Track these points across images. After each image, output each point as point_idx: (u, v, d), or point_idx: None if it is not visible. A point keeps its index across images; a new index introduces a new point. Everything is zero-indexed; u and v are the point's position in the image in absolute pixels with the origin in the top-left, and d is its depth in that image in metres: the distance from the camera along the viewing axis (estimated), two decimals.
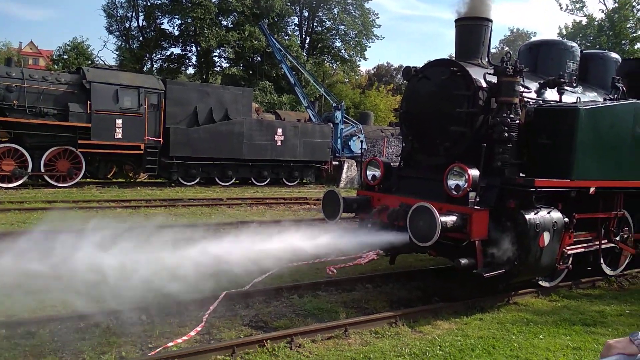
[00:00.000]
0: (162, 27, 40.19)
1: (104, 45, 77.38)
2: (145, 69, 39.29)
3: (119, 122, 18.19)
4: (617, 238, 8.01)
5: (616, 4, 41.81)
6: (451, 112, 6.94)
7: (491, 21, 7.42)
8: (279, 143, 21.78)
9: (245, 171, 21.45)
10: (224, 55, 41.36)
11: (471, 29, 7.45)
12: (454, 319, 6.25)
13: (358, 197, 7.89)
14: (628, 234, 8.20)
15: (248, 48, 38.00)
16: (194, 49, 41.21)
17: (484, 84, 6.89)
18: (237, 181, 21.70)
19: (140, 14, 39.96)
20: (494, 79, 6.84)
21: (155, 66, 41.19)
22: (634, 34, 41.71)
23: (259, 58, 41.18)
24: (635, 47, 40.87)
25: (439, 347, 5.30)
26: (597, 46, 37.21)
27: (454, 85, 6.97)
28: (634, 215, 8.29)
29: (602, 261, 8.01)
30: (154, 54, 41.29)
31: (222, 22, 39.25)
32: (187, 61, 42.99)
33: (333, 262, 8.10)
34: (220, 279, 6.27)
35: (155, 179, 20.70)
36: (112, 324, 5.50)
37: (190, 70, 44.40)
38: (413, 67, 7.68)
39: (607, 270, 8.22)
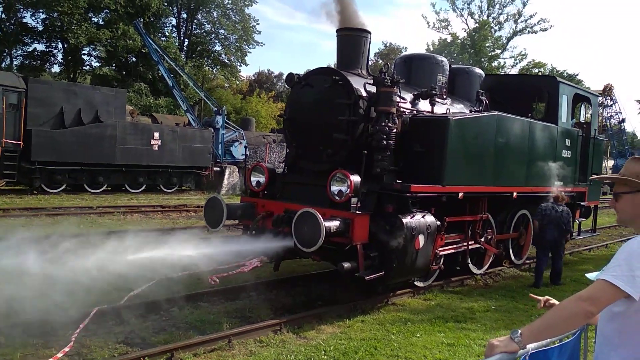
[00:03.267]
0: (24, 21, 36.74)
1: None
2: (3, 65, 35.59)
3: None
4: (482, 239, 8.68)
5: (477, 25, 45.84)
6: (333, 120, 7.08)
7: (370, 33, 7.70)
8: (155, 148, 20.79)
9: (119, 177, 20.20)
10: (95, 53, 38.79)
11: (351, 39, 7.67)
12: (337, 322, 6.34)
13: (242, 203, 7.76)
14: (491, 235, 8.93)
15: (121, 47, 35.95)
16: (60, 45, 38.12)
17: (364, 94, 7.12)
18: (109, 188, 20.38)
19: None
20: (373, 89, 7.10)
21: (15, 63, 37.48)
22: (492, 53, 45.98)
23: (133, 58, 39.16)
24: (493, 64, 45.05)
25: (323, 352, 5.34)
26: (460, 62, 40.44)
27: (336, 94, 7.12)
28: (496, 218, 9.04)
29: (469, 261, 8.63)
30: (14, 50, 37.54)
31: (93, 19, 36.80)
32: (52, 59, 39.68)
33: (215, 271, 7.87)
34: (93, 293, 5.81)
35: (15, 186, 18.76)
36: None
37: (56, 69, 41.04)
38: (296, 74, 7.73)
39: (474, 269, 8.87)
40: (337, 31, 7.67)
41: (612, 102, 40.74)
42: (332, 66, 7.97)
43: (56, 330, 5.48)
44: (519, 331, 1.97)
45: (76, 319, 5.61)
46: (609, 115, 40.88)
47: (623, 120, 42.37)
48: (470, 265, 8.74)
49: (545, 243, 8.90)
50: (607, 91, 39.77)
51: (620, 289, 1.89)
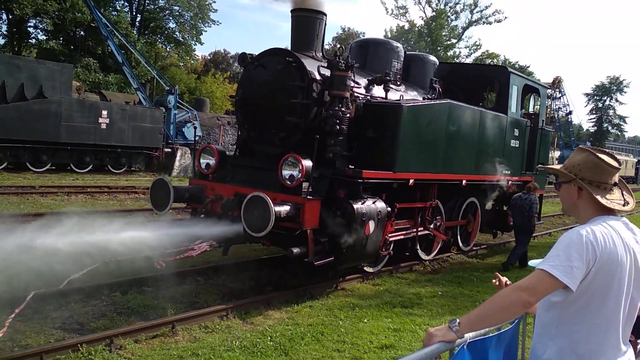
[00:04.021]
0: None
1: None
2: None
3: None
4: (432, 226, 8.78)
5: (434, 13, 46.26)
6: (286, 102, 6.96)
7: (325, 15, 7.58)
8: (103, 126, 20.06)
9: (63, 156, 19.43)
10: (41, 26, 36.98)
11: (307, 20, 7.53)
12: (285, 307, 6.29)
13: (190, 186, 7.56)
14: (440, 222, 9.05)
15: (70, 20, 34.40)
16: (4, 16, 36.16)
17: (318, 77, 7.02)
18: (53, 167, 19.60)
19: None
20: (327, 72, 7.00)
21: None
22: (448, 42, 46.60)
23: (82, 32, 37.57)
24: (449, 54, 45.66)
25: (269, 338, 5.28)
26: (417, 50, 40.76)
27: (289, 76, 6.99)
28: (445, 205, 9.17)
29: (418, 247, 8.73)
30: None
31: None
32: None
33: (162, 255, 7.66)
34: (30, 277, 5.54)
35: None
36: None
37: (0, 41, 38.93)
38: (249, 54, 7.54)
39: (423, 255, 8.99)
40: (291, 11, 7.52)
41: (560, 95, 42.13)
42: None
43: None
44: (457, 320, 1.95)
45: (11, 304, 5.35)
46: (557, 107, 42.27)
47: (570, 113, 43.97)
48: (419, 252, 8.85)
49: (514, 228, 9.95)
50: (556, 83, 41.03)
51: (558, 280, 1.89)
